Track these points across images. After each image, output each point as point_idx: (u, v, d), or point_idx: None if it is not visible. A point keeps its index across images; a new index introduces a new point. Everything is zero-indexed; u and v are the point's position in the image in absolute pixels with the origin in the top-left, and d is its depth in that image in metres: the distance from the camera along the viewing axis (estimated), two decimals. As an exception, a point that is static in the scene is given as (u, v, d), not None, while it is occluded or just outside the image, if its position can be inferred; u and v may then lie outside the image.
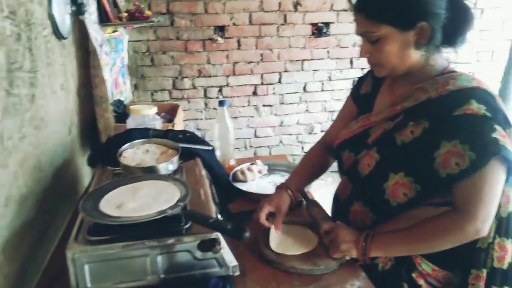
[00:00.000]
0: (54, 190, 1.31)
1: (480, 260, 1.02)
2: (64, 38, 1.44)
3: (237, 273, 0.95)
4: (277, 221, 1.15)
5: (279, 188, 1.25)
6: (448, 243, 0.97)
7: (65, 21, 1.43)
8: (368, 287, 0.97)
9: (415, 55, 1.00)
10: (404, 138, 1.01)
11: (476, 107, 0.92)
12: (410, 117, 1.02)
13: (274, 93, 3.36)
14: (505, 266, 1.03)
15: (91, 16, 1.77)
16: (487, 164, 0.90)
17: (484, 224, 0.94)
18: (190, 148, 1.35)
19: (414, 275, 1.06)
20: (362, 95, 1.23)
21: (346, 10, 3.22)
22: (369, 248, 1.02)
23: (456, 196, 0.96)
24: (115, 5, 2.26)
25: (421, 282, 1.06)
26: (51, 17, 1.32)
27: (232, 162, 1.66)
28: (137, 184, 1.06)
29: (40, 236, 1.19)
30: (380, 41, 0.98)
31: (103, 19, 2.01)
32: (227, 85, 3.26)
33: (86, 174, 1.71)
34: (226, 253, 0.93)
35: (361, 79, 1.29)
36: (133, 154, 1.27)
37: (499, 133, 0.90)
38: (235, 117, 3.31)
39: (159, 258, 0.90)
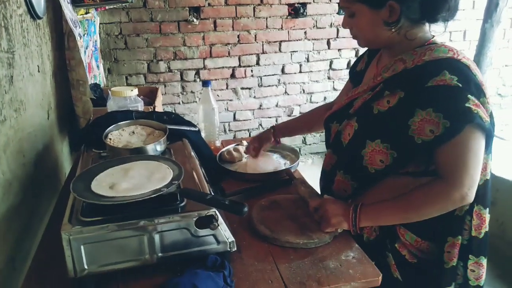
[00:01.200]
0: (37, 176, 1.27)
1: (456, 227, 1.06)
2: (39, 18, 1.38)
3: (234, 248, 0.95)
4: (255, 149, 1.46)
5: (268, 129, 1.51)
6: (435, 210, 1.01)
7: (40, 0, 1.37)
8: (363, 257, 1.00)
9: (386, 32, 1.03)
10: (380, 108, 1.04)
11: (448, 77, 0.94)
12: (387, 87, 1.05)
13: (252, 76, 3.34)
14: (481, 236, 1.07)
15: (64, -4, 1.69)
16: (462, 130, 0.93)
17: (470, 190, 0.97)
18: (177, 129, 1.33)
19: (397, 245, 1.10)
20: (357, 71, 1.27)
21: (322, -10, 3.22)
22: (359, 218, 1.04)
23: (440, 164, 0.99)
24: (87, -15, 2.17)
25: (404, 252, 1.09)
26: (25, -5, 1.25)
27: (217, 143, 1.65)
28: (128, 165, 1.04)
29: (28, 221, 1.15)
30: (355, 16, 1.04)
31: (76, -1, 1.92)
32: (204, 67, 3.21)
33: (66, 159, 1.66)
34: (224, 229, 0.93)
35: (359, 58, 1.33)
36: (118, 136, 1.25)
37: (472, 102, 0.93)
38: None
39: (156, 237, 0.89)
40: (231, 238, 0.94)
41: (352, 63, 1.39)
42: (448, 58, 0.98)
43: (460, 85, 0.94)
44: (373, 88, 1.09)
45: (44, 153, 1.38)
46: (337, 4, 3.26)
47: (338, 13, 3.28)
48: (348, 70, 1.41)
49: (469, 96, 0.94)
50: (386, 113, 1.03)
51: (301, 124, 1.55)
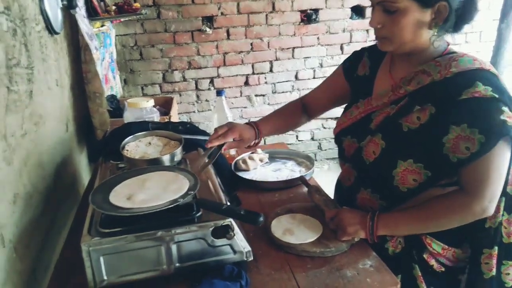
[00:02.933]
0: (56, 188, 1.30)
1: (490, 239, 1.05)
2: (57, 33, 1.41)
3: (251, 258, 0.96)
4: (234, 146, 1.27)
5: (247, 124, 1.29)
6: (455, 221, 1.00)
7: (57, 16, 1.41)
8: (380, 266, 0.99)
9: (426, 35, 1.00)
10: (410, 125, 1.01)
11: (482, 89, 0.92)
12: (415, 101, 1.01)
13: (266, 83, 3.35)
14: None
15: (80, 11, 1.73)
16: (496, 145, 0.91)
17: (490, 204, 0.96)
18: (191, 138, 1.34)
19: (425, 255, 1.07)
20: (360, 77, 1.22)
21: (334, -4, 3.22)
22: (376, 227, 1.03)
23: (464, 177, 0.98)
24: (101, -1, 2.23)
25: (432, 262, 1.07)
26: (43, 12, 1.29)
27: (232, 152, 1.66)
28: (144, 176, 1.05)
29: (47, 233, 1.18)
30: (398, 13, 0.96)
31: (91, 13, 1.97)
32: (218, 76, 3.24)
33: (84, 170, 1.69)
34: (240, 239, 0.93)
35: (356, 58, 1.25)
36: (135, 147, 1.26)
37: (507, 114, 0.91)
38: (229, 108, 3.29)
39: (173, 247, 0.90)
40: (247, 248, 0.95)
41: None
42: (478, 69, 0.97)
43: (496, 95, 0.92)
44: (395, 102, 1.06)
45: (63, 166, 1.41)
46: (349, 9, 3.25)
47: (351, 18, 3.27)
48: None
49: (503, 108, 0.92)
50: (417, 130, 1.00)
51: (280, 121, 1.37)
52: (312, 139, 3.63)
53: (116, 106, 2.13)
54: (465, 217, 0.99)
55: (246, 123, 1.29)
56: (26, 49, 1.12)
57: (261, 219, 0.87)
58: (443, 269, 1.08)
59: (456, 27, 1.00)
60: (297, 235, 1.08)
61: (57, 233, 1.27)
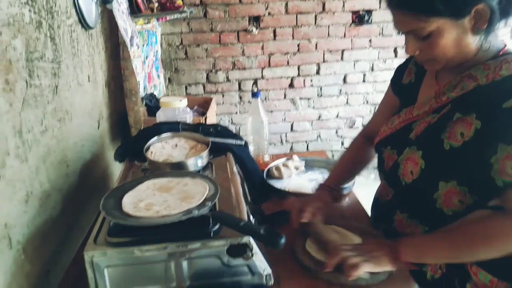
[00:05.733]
0: (81, 187, 1.26)
1: None
2: (91, 28, 1.38)
3: (271, 282, 0.84)
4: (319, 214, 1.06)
5: (320, 187, 1.18)
6: (497, 251, 0.82)
7: (91, 10, 1.37)
8: (422, 303, 0.84)
9: (474, 42, 0.85)
10: (453, 142, 0.86)
11: None
12: (457, 109, 0.87)
13: (311, 85, 3.21)
14: None
15: (120, 6, 1.71)
16: None
17: None
18: (221, 142, 1.26)
19: (468, 286, 0.93)
20: (405, 85, 1.09)
21: (389, -4, 3.02)
22: (399, 251, 0.89)
23: (509, 199, 0.81)
24: (146, -4, 2.21)
25: None
26: (76, 5, 1.25)
27: (266, 158, 1.56)
28: (163, 181, 0.97)
29: (66, 234, 1.13)
30: (433, 36, 0.84)
31: (134, 10, 1.95)
32: (262, 77, 3.15)
33: (117, 169, 1.66)
34: (259, 259, 0.82)
35: (401, 68, 1.14)
36: (161, 148, 1.20)
37: None
38: (271, 111, 3.20)
39: (184, 264, 0.81)
40: (268, 271, 0.84)
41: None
42: None
43: None
44: (437, 110, 0.93)
45: (91, 163, 1.37)
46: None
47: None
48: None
49: None
50: (460, 149, 0.85)
51: (349, 165, 1.24)
52: (359, 146, 3.44)
53: (155, 105, 2.10)
54: (509, 245, 0.80)
55: (319, 187, 1.20)
56: (53, 42, 1.09)
57: (283, 241, 0.75)
58: None
59: (505, 14, 0.82)
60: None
61: (79, 234, 1.23)
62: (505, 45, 0.89)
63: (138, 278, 0.81)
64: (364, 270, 0.87)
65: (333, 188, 1.17)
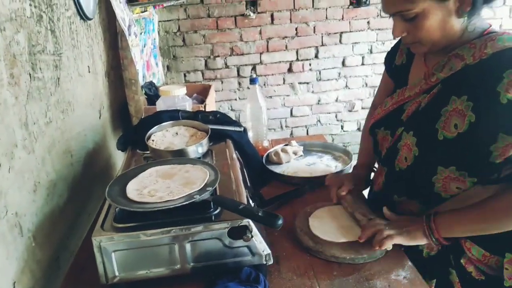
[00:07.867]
0: (86, 175, 1.30)
1: None
2: (89, 19, 1.40)
3: (271, 262, 0.89)
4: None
5: (355, 167, 1.26)
6: None
7: (89, 1, 1.39)
8: (415, 278, 0.88)
9: (458, 24, 0.87)
10: (447, 133, 0.88)
11: None
12: (447, 89, 0.90)
13: (310, 69, 3.22)
14: None
15: (117, -4, 1.71)
16: None
17: None
18: (220, 129, 1.29)
19: (463, 261, 0.97)
20: (398, 66, 1.12)
21: (386, -23, 3.00)
22: (434, 226, 0.92)
23: None
24: (142, -16, 2.20)
25: (470, 268, 0.96)
26: (74, -3, 1.27)
27: (265, 143, 1.59)
28: (165, 168, 1.01)
29: (73, 222, 1.18)
30: (418, 18, 0.86)
31: (131, -2, 1.95)
32: (261, 62, 3.15)
33: (119, 158, 1.70)
34: (258, 241, 0.86)
35: (393, 49, 1.17)
36: (162, 137, 1.23)
37: None
38: (270, 96, 3.21)
39: (188, 246, 0.85)
40: (267, 251, 0.88)
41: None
42: None
43: None
44: (427, 91, 0.95)
45: (94, 152, 1.41)
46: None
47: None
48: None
49: None
50: (454, 140, 0.87)
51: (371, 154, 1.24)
52: (359, 129, 3.45)
53: (155, 93, 2.12)
54: None
55: (354, 169, 1.28)
56: (53, 35, 1.11)
57: (280, 222, 0.79)
58: (483, 277, 0.95)
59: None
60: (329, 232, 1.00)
61: (86, 220, 1.27)
62: (490, 25, 0.91)
63: (144, 261, 0.85)
64: (397, 242, 0.93)
65: (365, 168, 1.23)
